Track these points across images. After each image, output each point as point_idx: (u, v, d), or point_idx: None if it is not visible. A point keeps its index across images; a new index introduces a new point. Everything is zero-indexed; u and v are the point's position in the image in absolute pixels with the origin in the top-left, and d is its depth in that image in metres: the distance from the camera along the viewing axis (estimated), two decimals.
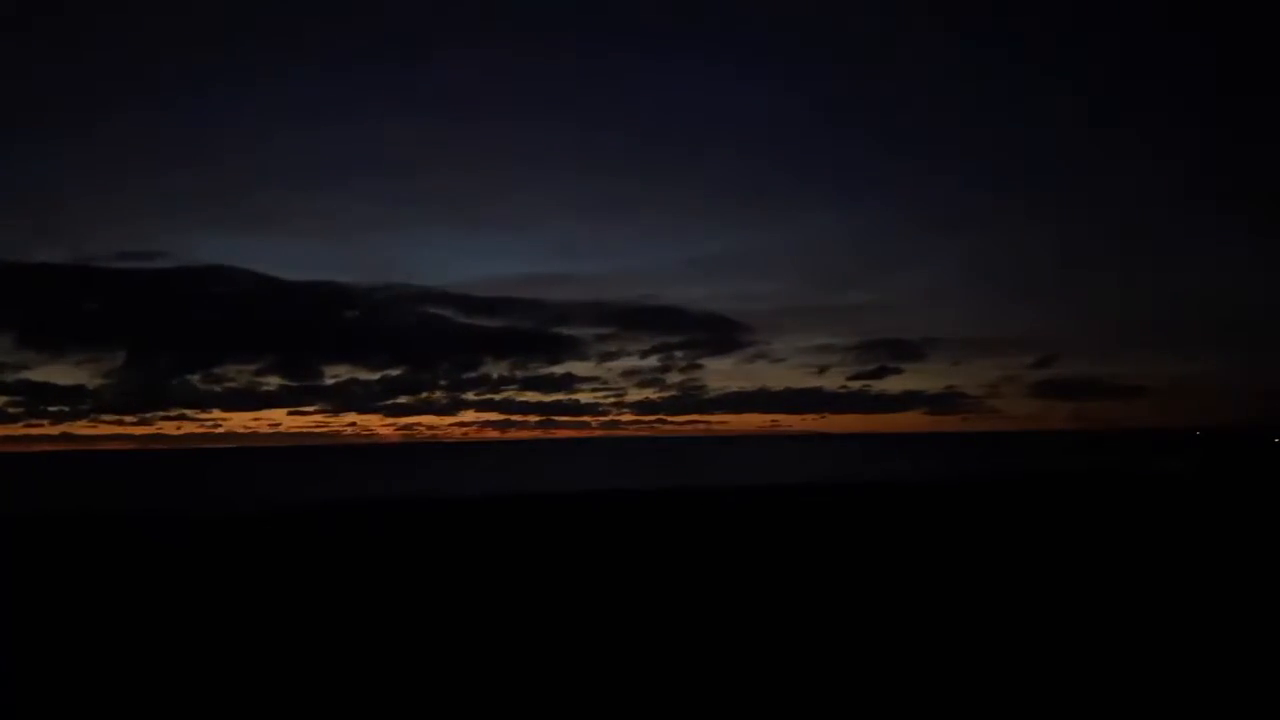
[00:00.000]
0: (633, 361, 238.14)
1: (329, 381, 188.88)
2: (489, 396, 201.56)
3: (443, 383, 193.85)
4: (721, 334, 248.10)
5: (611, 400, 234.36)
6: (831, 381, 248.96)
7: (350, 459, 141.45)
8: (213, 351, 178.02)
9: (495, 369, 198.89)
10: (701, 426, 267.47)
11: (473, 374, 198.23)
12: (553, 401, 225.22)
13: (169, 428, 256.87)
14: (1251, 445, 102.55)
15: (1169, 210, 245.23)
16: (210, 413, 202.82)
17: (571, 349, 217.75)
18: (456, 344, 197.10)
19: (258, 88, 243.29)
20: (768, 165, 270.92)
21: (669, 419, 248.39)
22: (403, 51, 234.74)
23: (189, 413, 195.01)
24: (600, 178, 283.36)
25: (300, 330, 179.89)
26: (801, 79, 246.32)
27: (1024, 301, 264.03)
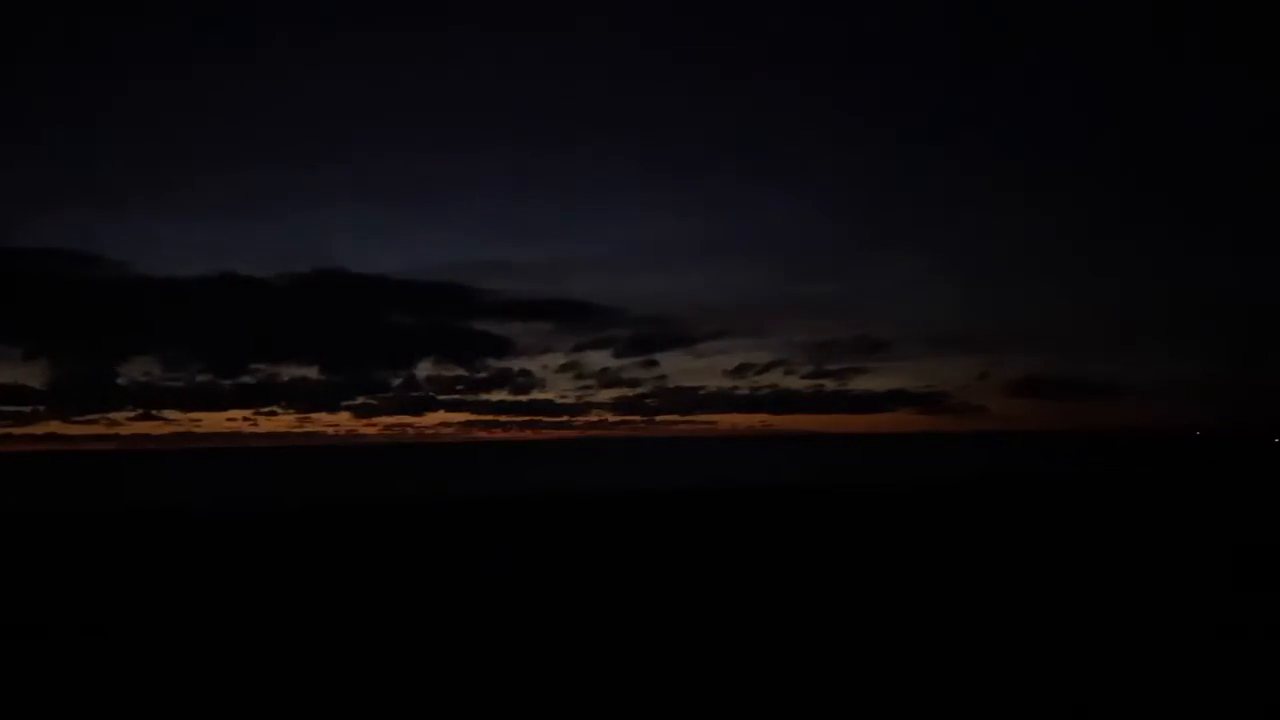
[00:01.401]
0: (591, 356, 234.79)
1: (284, 379, 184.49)
2: (456, 397, 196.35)
3: (395, 383, 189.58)
4: (676, 329, 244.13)
5: (584, 401, 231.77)
6: (794, 379, 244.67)
7: (338, 460, 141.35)
8: (126, 347, 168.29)
9: (442, 368, 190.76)
10: (690, 426, 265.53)
11: (426, 373, 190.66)
12: (529, 401, 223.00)
13: (149, 427, 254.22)
14: (1251, 445, 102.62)
15: (1166, 209, 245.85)
16: (171, 411, 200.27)
17: (511, 346, 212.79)
18: (387, 340, 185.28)
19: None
20: (729, 150, 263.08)
21: (655, 419, 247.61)
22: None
23: (154, 411, 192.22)
24: (540, 159, 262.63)
25: (213, 323, 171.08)
26: (773, 64, 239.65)
27: (1021, 299, 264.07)
